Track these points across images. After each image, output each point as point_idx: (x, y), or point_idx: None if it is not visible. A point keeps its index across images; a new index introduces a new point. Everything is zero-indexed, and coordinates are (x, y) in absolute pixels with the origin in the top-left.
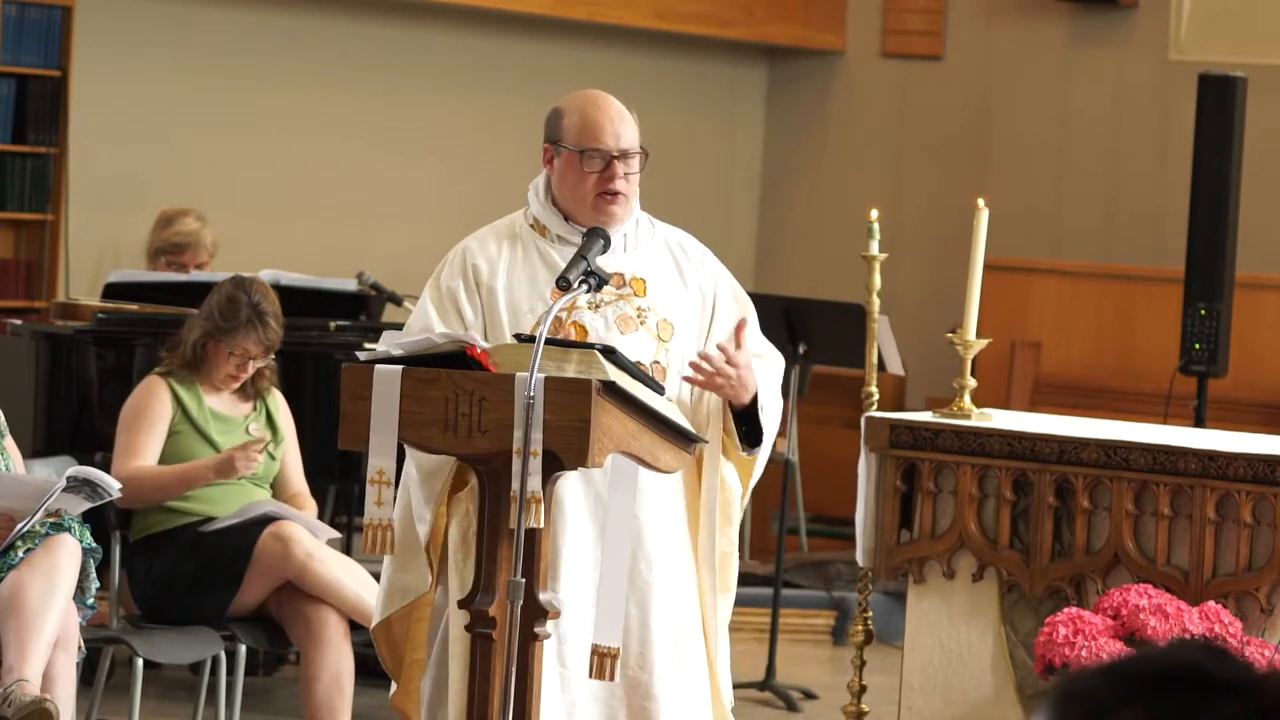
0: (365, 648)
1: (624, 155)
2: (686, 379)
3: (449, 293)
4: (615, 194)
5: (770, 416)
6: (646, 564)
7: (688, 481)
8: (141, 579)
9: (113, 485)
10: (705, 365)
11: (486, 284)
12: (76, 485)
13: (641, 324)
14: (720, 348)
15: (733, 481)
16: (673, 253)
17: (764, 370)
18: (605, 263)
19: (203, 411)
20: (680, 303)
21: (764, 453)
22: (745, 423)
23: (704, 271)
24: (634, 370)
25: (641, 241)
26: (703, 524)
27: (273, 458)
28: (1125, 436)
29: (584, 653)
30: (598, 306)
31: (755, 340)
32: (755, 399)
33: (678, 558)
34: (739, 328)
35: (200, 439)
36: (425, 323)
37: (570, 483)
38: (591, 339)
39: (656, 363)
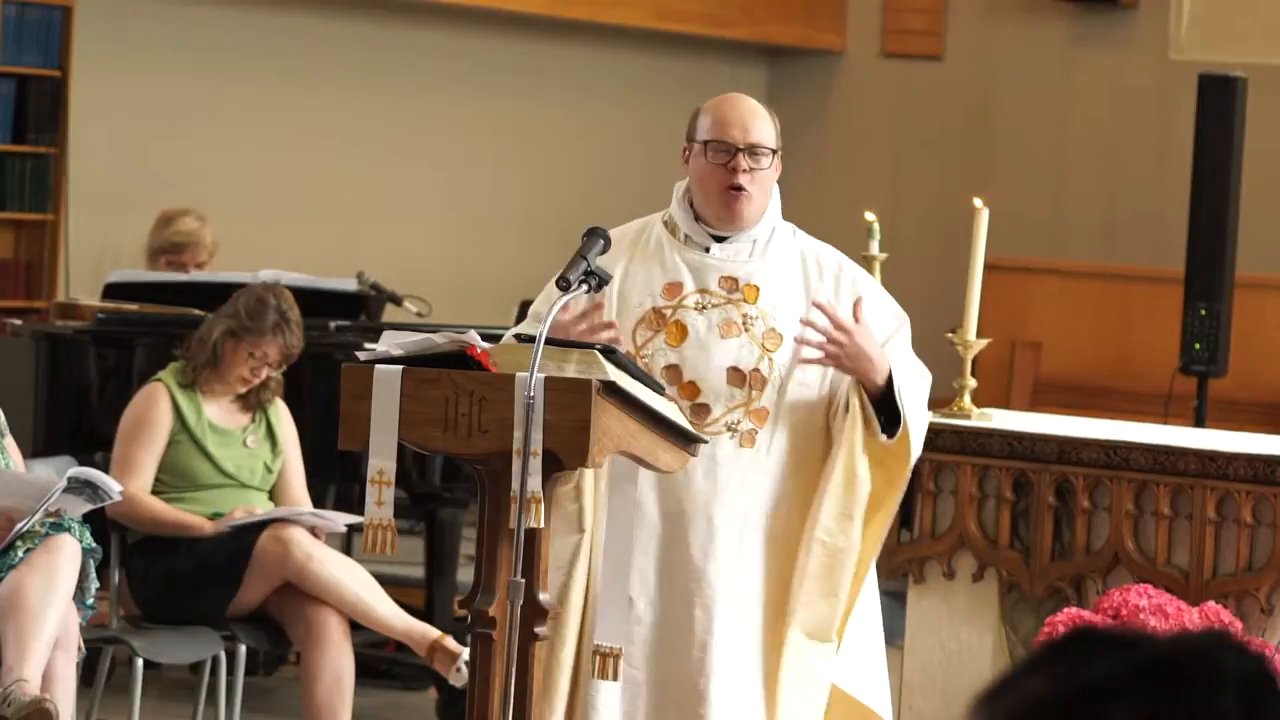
0: (365, 648)
1: (751, 150)
2: (804, 360)
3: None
4: (740, 189)
5: (911, 403)
6: (715, 567)
7: (794, 483)
8: (141, 579)
9: (114, 487)
10: (811, 333)
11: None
12: (78, 487)
13: (745, 330)
14: (817, 304)
15: (864, 475)
16: (805, 266)
17: (902, 359)
18: (722, 264)
19: (201, 423)
20: (795, 316)
21: (915, 444)
22: (884, 411)
23: (836, 290)
24: (634, 370)
25: (771, 249)
26: (813, 515)
27: (269, 470)
28: (1125, 436)
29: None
30: (704, 308)
31: (902, 354)
32: (892, 383)
33: (748, 565)
34: (855, 304)
35: (196, 450)
36: (538, 309)
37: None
38: (691, 339)
39: (756, 370)
